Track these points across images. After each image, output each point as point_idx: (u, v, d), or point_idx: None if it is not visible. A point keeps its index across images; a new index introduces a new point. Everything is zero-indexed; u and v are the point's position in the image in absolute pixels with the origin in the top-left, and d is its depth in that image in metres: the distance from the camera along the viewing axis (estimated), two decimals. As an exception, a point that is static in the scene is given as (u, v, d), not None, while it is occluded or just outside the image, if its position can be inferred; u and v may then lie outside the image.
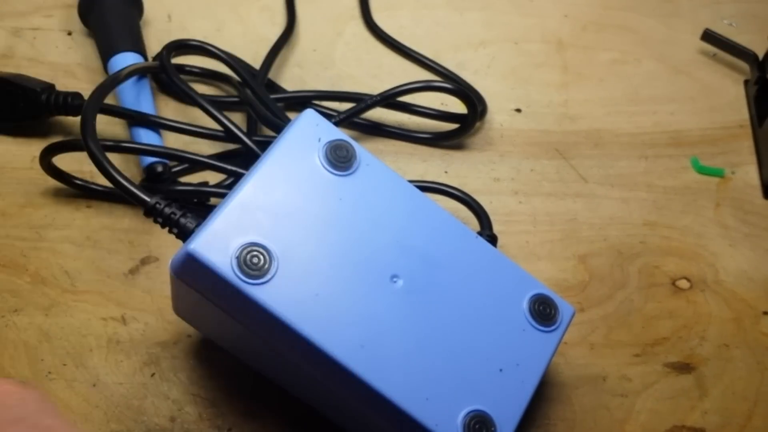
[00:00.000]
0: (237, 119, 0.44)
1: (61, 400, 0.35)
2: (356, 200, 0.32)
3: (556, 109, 0.48)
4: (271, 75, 0.46)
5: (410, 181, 0.34)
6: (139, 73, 0.42)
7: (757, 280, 0.42)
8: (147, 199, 0.32)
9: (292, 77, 0.47)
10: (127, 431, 0.34)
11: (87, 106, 0.35)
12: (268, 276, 0.29)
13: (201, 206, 0.40)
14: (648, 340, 0.39)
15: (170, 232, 0.32)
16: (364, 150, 0.33)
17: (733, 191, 0.45)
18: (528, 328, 0.32)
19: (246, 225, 0.30)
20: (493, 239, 0.38)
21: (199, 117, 0.43)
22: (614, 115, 0.48)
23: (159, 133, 0.42)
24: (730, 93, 0.50)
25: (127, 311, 0.37)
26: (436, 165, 0.44)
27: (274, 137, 0.38)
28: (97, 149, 0.34)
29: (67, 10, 0.48)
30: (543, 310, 0.33)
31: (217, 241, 0.29)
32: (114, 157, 0.36)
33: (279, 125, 0.41)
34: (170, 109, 0.45)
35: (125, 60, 0.43)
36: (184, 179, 0.42)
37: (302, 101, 0.45)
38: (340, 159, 0.32)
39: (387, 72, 0.49)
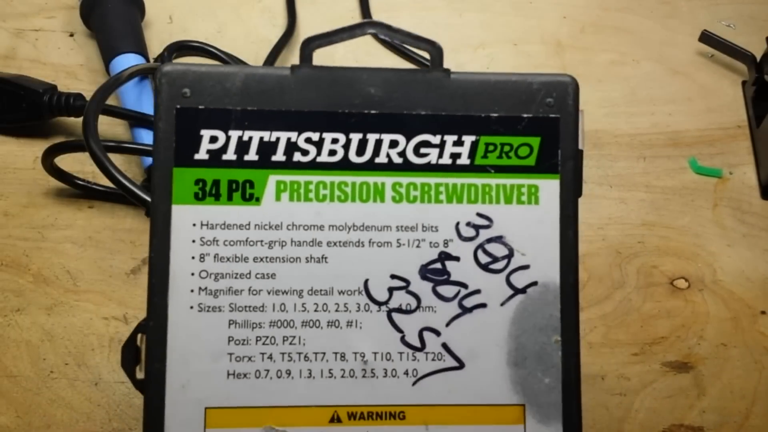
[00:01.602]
0: (238, 120, 0.44)
1: (63, 399, 0.35)
2: None
3: (555, 110, 0.48)
4: (271, 76, 0.46)
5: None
6: (141, 74, 0.42)
7: (755, 279, 0.42)
8: (149, 199, 0.32)
9: (292, 78, 0.48)
10: (129, 430, 0.34)
11: (89, 107, 0.35)
12: None
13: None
14: (646, 339, 0.39)
15: (172, 231, 0.32)
16: None
17: (730, 192, 0.45)
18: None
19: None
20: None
21: (200, 118, 0.43)
22: (613, 116, 0.48)
23: (160, 134, 0.42)
24: (728, 94, 0.50)
25: (129, 311, 0.37)
26: (435, 165, 0.45)
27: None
28: (99, 150, 0.34)
29: (69, 11, 0.48)
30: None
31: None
32: (116, 158, 0.37)
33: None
34: (171, 110, 0.45)
35: (127, 61, 0.44)
36: (185, 180, 0.42)
37: (303, 102, 0.45)
38: None
39: (387, 73, 0.49)
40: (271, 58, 0.47)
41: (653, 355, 0.39)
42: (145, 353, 0.26)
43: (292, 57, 0.49)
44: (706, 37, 0.50)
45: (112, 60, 0.44)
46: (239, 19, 0.50)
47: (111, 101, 0.40)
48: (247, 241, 0.27)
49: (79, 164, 0.41)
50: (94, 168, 0.37)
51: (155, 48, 0.47)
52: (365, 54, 0.50)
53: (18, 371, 0.35)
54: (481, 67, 0.49)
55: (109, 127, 0.43)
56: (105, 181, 0.38)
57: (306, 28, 0.50)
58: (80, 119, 0.37)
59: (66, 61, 0.46)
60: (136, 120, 0.42)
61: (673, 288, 0.41)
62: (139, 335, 0.27)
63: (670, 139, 0.47)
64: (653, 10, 0.54)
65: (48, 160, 0.39)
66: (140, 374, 0.26)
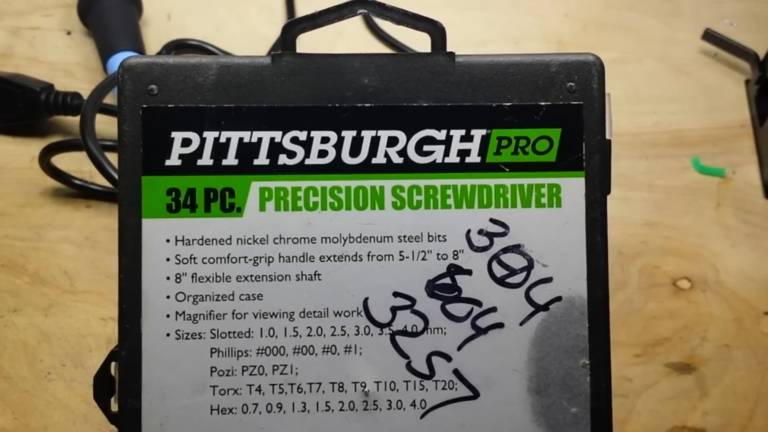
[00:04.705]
0: (237, 119, 0.44)
1: (60, 400, 0.34)
2: None
3: (557, 109, 0.48)
4: (270, 74, 0.46)
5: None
6: (139, 72, 0.42)
7: (758, 280, 0.42)
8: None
9: (291, 77, 0.47)
10: None
11: (86, 106, 0.35)
12: None
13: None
14: (649, 340, 0.39)
15: (170, 232, 0.32)
16: None
17: (734, 191, 0.45)
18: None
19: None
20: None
21: (198, 117, 0.43)
22: (615, 115, 0.47)
23: (158, 133, 0.42)
24: (731, 93, 0.49)
25: (127, 311, 0.37)
26: (436, 165, 0.44)
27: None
28: (96, 149, 0.34)
29: (66, 9, 0.48)
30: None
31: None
32: (113, 157, 0.36)
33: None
34: (170, 109, 0.45)
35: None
36: (183, 179, 0.41)
37: (302, 101, 0.45)
38: None
39: (387, 71, 0.48)
40: (271, 56, 0.46)
41: (655, 356, 0.39)
42: (119, 387, 0.24)
43: (291, 55, 0.48)
44: (709, 36, 0.50)
45: (110, 58, 0.44)
46: (238, 17, 0.50)
47: (108, 100, 0.40)
48: (228, 257, 0.24)
49: (76, 163, 0.41)
50: (92, 167, 0.36)
51: (153, 46, 0.46)
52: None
53: (15, 372, 0.35)
54: (482, 65, 0.49)
55: (106, 126, 0.43)
56: (102, 181, 0.38)
57: (305, 26, 0.50)
58: (77, 118, 0.37)
59: (63, 60, 0.46)
60: (134, 119, 0.41)
61: (676, 288, 0.41)
62: (113, 363, 0.24)
63: (673, 138, 0.47)
64: (656, 9, 0.53)
65: (45, 160, 0.38)
66: (115, 406, 0.24)
